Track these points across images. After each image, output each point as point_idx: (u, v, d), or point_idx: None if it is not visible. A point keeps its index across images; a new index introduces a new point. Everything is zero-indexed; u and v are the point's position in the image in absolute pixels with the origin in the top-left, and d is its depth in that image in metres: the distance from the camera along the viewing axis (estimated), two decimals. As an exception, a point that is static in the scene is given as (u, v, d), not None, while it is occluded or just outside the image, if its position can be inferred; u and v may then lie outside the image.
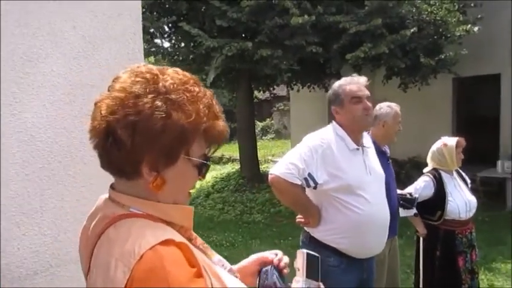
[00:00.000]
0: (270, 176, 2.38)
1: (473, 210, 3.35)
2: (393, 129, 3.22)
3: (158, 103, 0.84)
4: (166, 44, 9.68)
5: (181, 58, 8.86)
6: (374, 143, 2.74)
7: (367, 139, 2.58)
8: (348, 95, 2.40)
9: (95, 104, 0.90)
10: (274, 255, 1.14)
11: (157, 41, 9.33)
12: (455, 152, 3.32)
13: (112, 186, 0.95)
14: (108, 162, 0.90)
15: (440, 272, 3.30)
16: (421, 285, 3.42)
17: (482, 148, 7.04)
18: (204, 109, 0.89)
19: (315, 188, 2.36)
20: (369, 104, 2.40)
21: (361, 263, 2.41)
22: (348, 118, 2.41)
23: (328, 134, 2.43)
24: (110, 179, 0.95)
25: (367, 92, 2.42)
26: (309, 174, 2.31)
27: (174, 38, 9.48)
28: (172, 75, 0.90)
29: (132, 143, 0.84)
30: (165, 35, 9.44)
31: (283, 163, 2.36)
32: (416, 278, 3.51)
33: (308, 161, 2.31)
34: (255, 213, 8.27)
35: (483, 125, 9.35)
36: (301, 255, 1.16)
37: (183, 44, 9.19)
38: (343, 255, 2.36)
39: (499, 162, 7.86)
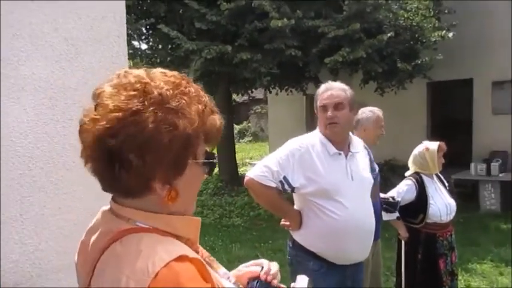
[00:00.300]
0: (245, 179, 2.43)
1: (453, 213, 3.40)
2: (375, 133, 3.26)
3: (161, 115, 0.79)
4: (144, 46, 9.57)
5: (159, 60, 8.74)
6: None
7: (357, 144, 2.57)
8: (318, 103, 2.44)
9: (84, 125, 0.82)
10: (261, 267, 1.10)
11: (135, 43, 9.21)
12: (437, 156, 3.38)
13: (114, 199, 0.89)
14: (111, 185, 0.85)
15: (421, 275, 3.33)
16: (402, 288, 3.45)
17: (455, 151, 7.18)
18: (202, 109, 0.85)
19: (292, 191, 2.39)
20: (332, 113, 2.34)
21: (343, 269, 2.37)
22: (320, 124, 2.46)
23: (311, 139, 2.44)
24: (93, 185, 0.89)
25: (336, 100, 2.36)
26: (284, 178, 2.33)
27: (151, 40, 9.37)
28: (163, 79, 0.85)
29: (142, 163, 0.79)
30: (143, 37, 9.32)
31: (259, 166, 2.41)
32: (398, 281, 3.54)
33: (283, 165, 2.34)
34: (234, 216, 8.22)
35: (456, 128, 9.59)
36: (303, 281, 1.16)
37: (160, 46, 9.08)
38: (323, 259, 2.36)
39: (472, 165, 8.04)
